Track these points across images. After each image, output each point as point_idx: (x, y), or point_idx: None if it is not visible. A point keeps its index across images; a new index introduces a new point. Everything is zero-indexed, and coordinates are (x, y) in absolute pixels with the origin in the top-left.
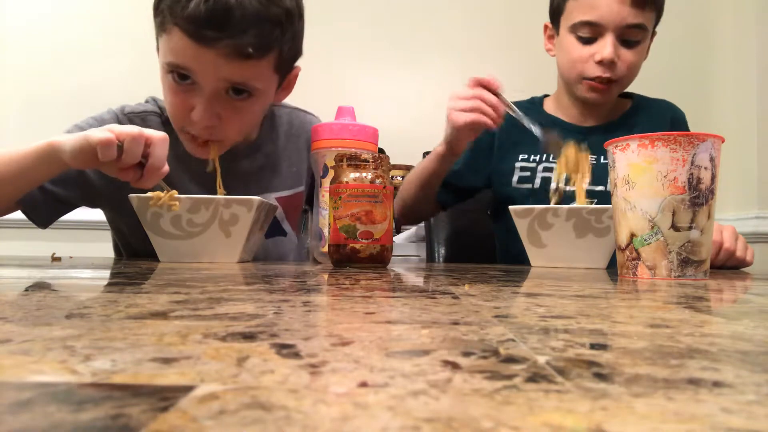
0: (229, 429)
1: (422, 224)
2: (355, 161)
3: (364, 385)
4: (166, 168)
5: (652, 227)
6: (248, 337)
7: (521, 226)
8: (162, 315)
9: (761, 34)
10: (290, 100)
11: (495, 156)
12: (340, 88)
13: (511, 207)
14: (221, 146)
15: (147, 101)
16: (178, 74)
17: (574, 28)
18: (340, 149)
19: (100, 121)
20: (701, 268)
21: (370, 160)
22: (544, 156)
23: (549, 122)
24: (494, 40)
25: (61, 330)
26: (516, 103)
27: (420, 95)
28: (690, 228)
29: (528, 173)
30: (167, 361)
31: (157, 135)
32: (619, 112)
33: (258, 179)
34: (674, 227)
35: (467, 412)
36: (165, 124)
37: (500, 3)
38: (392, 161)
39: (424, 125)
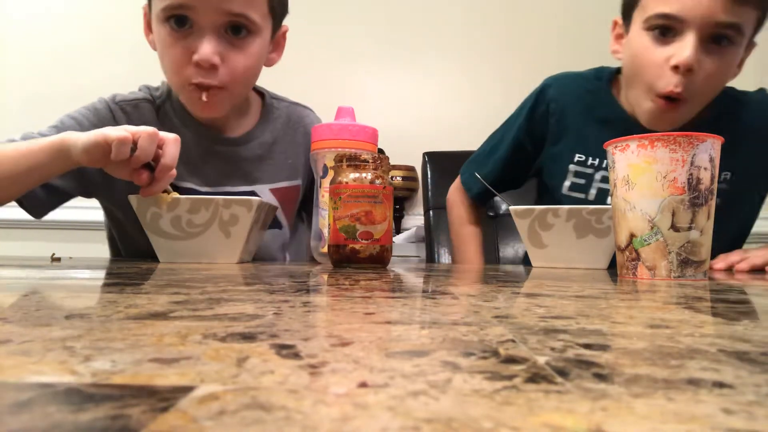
0: (229, 429)
1: (422, 225)
2: (355, 161)
3: (363, 385)
4: (175, 172)
5: (652, 228)
6: (248, 337)
7: (521, 226)
8: (162, 315)
9: (761, 34)
10: (291, 97)
11: (547, 146)
12: (340, 88)
13: (511, 207)
14: (228, 96)
15: (140, 89)
16: (176, 19)
17: (647, 23)
18: (339, 149)
19: (92, 111)
20: (701, 268)
21: (370, 161)
22: (604, 161)
23: (619, 119)
24: (494, 40)
25: (61, 330)
26: (582, 79)
27: (420, 95)
28: (690, 228)
29: (583, 180)
30: (167, 361)
31: (170, 136)
32: (699, 114)
33: (253, 168)
34: (674, 228)
35: (467, 413)
36: (158, 111)
37: (500, 3)
38: (392, 161)
39: (424, 125)
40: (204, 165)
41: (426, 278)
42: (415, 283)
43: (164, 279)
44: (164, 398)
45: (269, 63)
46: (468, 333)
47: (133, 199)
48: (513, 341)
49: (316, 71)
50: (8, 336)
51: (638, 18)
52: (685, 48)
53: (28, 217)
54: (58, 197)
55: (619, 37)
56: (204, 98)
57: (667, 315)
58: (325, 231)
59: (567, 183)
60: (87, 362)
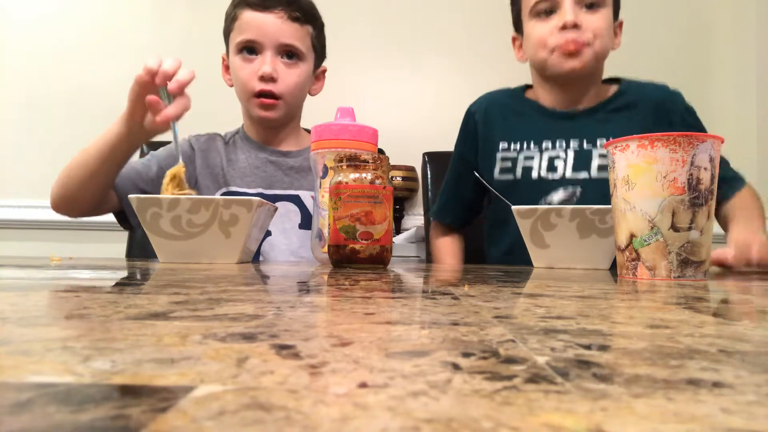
0: (229, 429)
1: (422, 225)
2: (355, 162)
3: (363, 385)
4: (189, 103)
5: (652, 228)
6: (248, 337)
7: (524, 226)
8: (162, 315)
9: (761, 34)
10: None
11: (480, 152)
12: (340, 88)
13: (514, 207)
14: (284, 105)
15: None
16: (247, 49)
17: (532, 11)
18: (339, 150)
19: (174, 149)
20: (701, 268)
21: (370, 161)
22: (524, 144)
23: (531, 108)
24: (493, 40)
25: (61, 330)
26: (498, 91)
27: (419, 95)
28: (690, 228)
29: (509, 163)
30: (167, 361)
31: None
32: (603, 97)
33: (299, 176)
34: (674, 228)
35: (467, 413)
36: (226, 143)
37: (500, 3)
38: (392, 161)
39: (424, 125)
40: (259, 171)
41: (426, 278)
42: (414, 283)
43: (164, 279)
44: (164, 398)
45: (313, 92)
46: (468, 333)
47: (133, 199)
48: (513, 341)
49: None
50: (8, 336)
51: (526, 7)
52: (565, 13)
53: (28, 217)
54: None
55: (519, 47)
56: (266, 106)
57: (667, 315)
58: (325, 231)
59: (497, 169)
60: (87, 362)
